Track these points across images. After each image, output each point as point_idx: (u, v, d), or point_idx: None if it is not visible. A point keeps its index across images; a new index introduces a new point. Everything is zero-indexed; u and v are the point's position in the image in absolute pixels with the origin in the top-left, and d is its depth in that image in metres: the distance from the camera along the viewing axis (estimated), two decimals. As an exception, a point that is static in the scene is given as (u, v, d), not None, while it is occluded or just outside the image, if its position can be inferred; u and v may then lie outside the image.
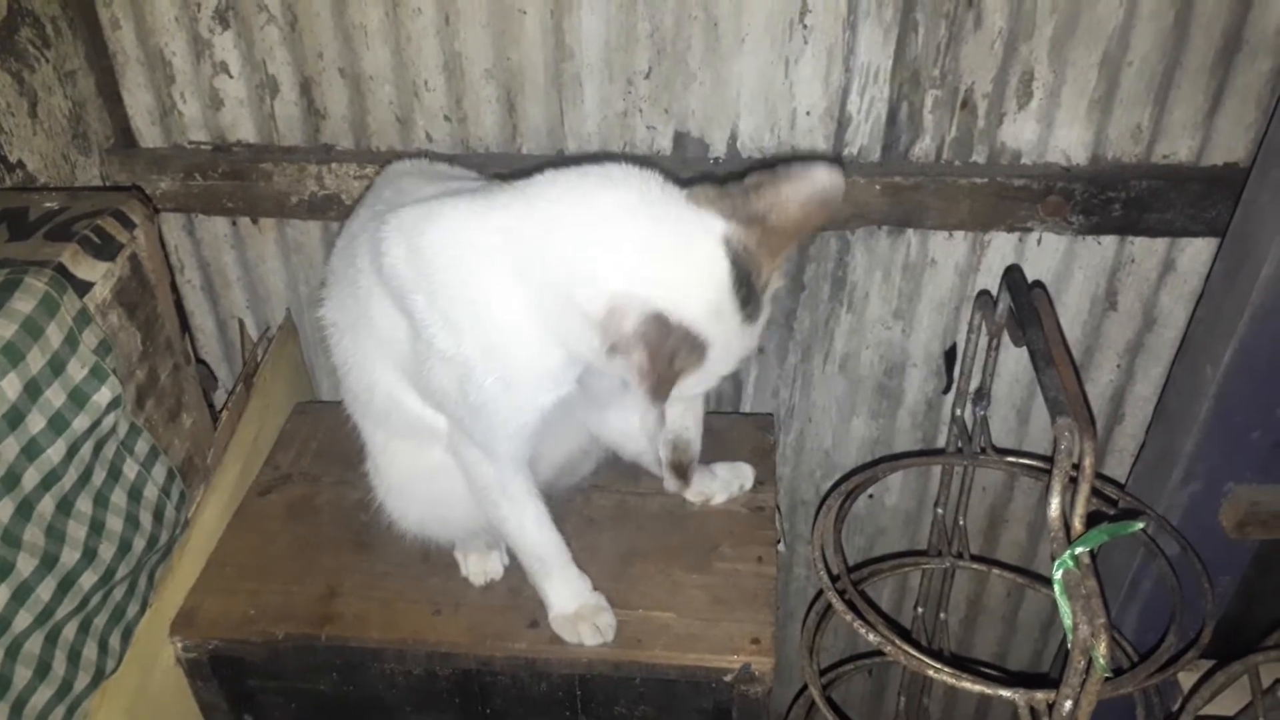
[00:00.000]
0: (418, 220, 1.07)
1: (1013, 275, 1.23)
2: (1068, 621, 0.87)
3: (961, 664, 1.13)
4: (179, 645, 1.29)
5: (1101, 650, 0.84)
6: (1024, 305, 1.12)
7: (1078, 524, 0.90)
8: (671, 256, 0.97)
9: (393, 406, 1.22)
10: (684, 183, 1.03)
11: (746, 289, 0.97)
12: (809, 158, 1.47)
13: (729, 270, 0.96)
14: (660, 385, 0.95)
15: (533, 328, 1.04)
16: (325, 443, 1.55)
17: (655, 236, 0.97)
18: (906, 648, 1.05)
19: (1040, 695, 0.98)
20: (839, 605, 1.10)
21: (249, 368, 1.56)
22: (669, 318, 0.94)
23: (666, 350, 0.94)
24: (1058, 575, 0.87)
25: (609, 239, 0.98)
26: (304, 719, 1.37)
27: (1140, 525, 0.90)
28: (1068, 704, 0.89)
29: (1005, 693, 0.99)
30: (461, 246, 1.05)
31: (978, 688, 1.00)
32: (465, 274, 1.05)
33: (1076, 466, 0.91)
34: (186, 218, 1.62)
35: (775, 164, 1.00)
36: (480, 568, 1.34)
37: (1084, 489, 0.90)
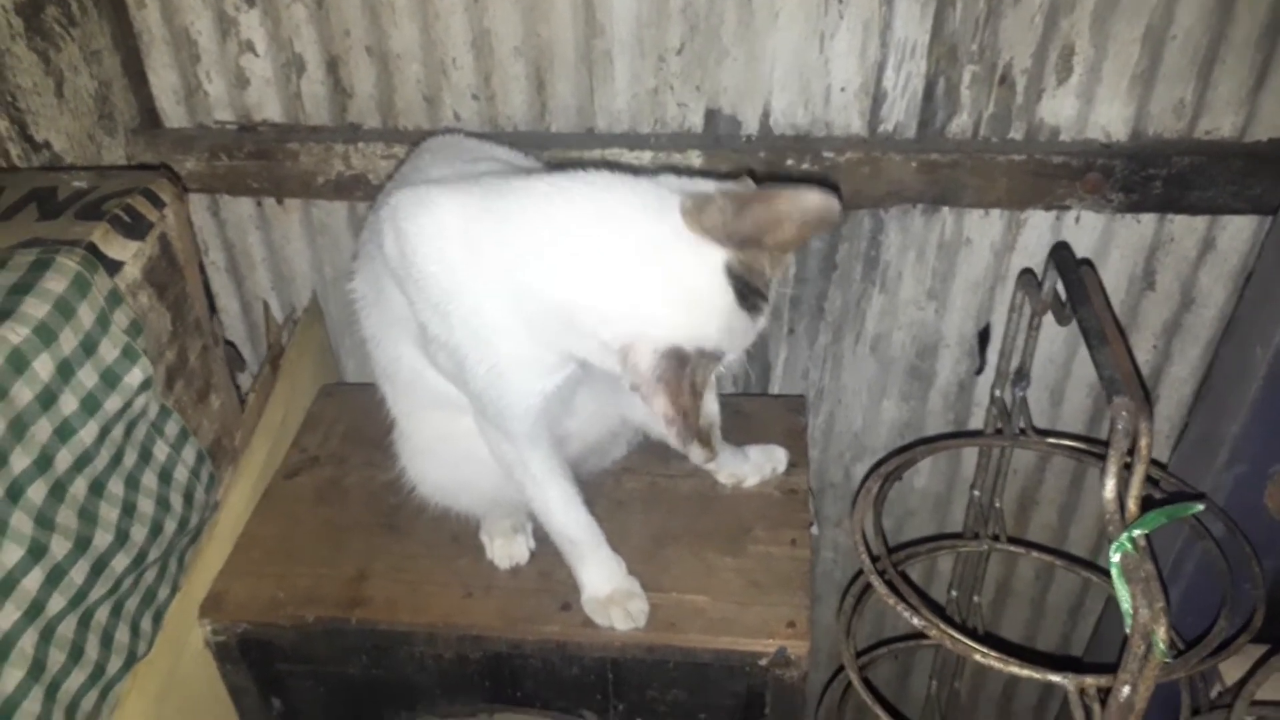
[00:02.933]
0: (409, 205, 1.06)
1: (1060, 253, 1.20)
2: (1126, 605, 0.85)
3: (995, 647, 1.11)
4: (208, 628, 1.28)
5: (1161, 635, 0.82)
6: (1074, 282, 1.09)
7: (1133, 506, 0.88)
8: (678, 295, 0.97)
9: (417, 379, 1.21)
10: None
11: (754, 297, 0.98)
12: (840, 135, 1.45)
13: (734, 294, 0.97)
14: (688, 423, 0.96)
15: (520, 326, 1.04)
16: (352, 425, 1.54)
17: (660, 278, 0.97)
18: (951, 631, 1.04)
19: (1090, 680, 0.96)
20: (882, 589, 1.08)
21: (275, 350, 1.54)
22: (684, 349, 0.96)
23: (686, 381, 0.96)
24: (1115, 559, 0.85)
25: (615, 282, 0.98)
26: (332, 702, 1.36)
27: (1199, 507, 0.88)
28: (1125, 689, 0.87)
29: (1055, 677, 0.97)
30: (448, 237, 1.03)
31: (1025, 672, 0.98)
32: (450, 265, 1.04)
33: (1132, 450, 0.89)
34: (211, 198, 1.60)
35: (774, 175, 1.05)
36: (505, 551, 1.32)
37: (1139, 470, 0.87)
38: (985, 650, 1.01)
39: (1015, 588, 1.88)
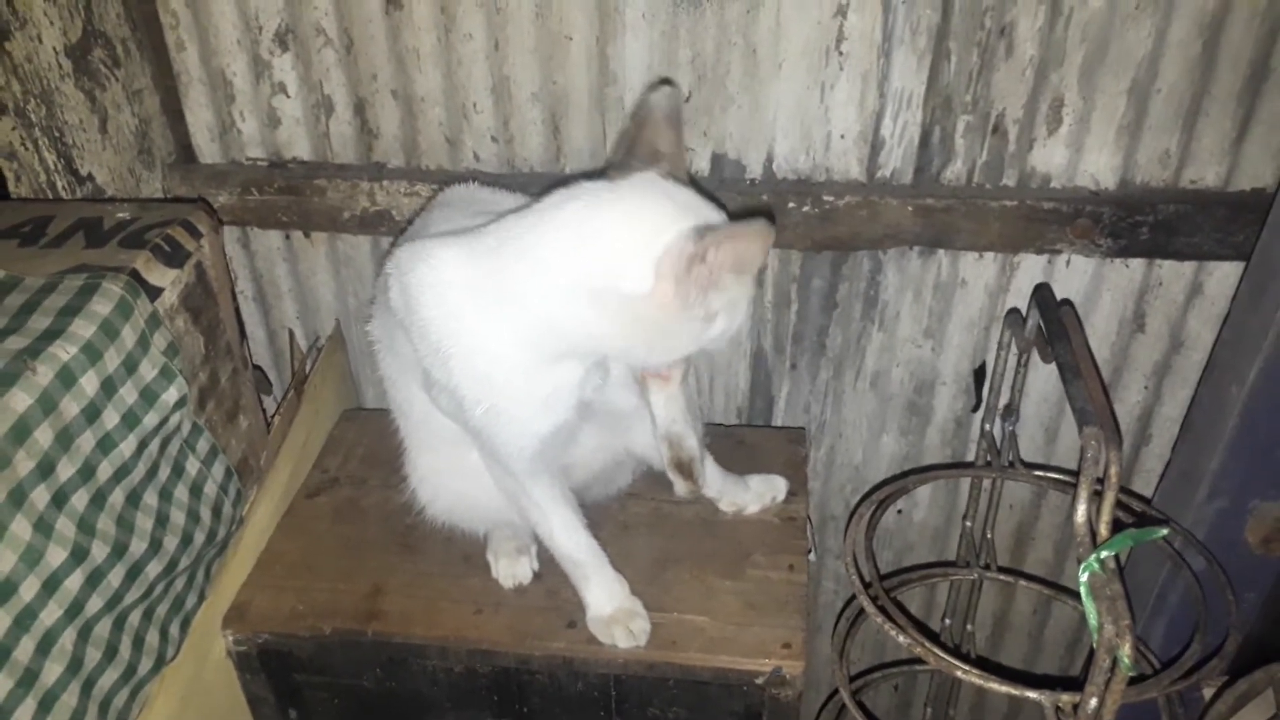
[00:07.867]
0: (408, 259, 1.15)
1: (1042, 293, 1.26)
2: (1093, 622, 0.90)
3: (987, 670, 1.16)
4: (230, 638, 1.33)
5: (1125, 650, 0.87)
6: (1053, 321, 1.15)
7: (1103, 530, 0.93)
8: (654, 206, 1.07)
9: (427, 417, 1.28)
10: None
11: (695, 189, 1.12)
12: (840, 180, 1.52)
13: (680, 188, 1.10)
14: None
15: (520, 359, 1.12)
16: (371, 449, 1.61)
17: (639, 204, 1.08)
18: (935, 649, 1.09)
19: (1066, 697, 1.01)
20: (871, 609, 1.14)
21: (299, 376, 1.61)
22: (697, 226, 1.04)
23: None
24: (1084, 578, 0.90)
25: (615, 233, 1.07)
26: (346, 714, 1.41)
27: (1164, 532, 0.94)
28: (1092, 702, 0.92)
29: (1031, 694, 1.02)
30: (445, 285, 1.12)
31: (1004, 688, 1.03)
32: (449, 311, 1.12)
33: (1102, 477, 0.95)
34: (242, 231, 1.68)
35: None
36: (509, 571, 1.38)
37: (1109, 496, 0.93)
38: (966, 668, 1.06)
39: (1013, 621, 1.92)
